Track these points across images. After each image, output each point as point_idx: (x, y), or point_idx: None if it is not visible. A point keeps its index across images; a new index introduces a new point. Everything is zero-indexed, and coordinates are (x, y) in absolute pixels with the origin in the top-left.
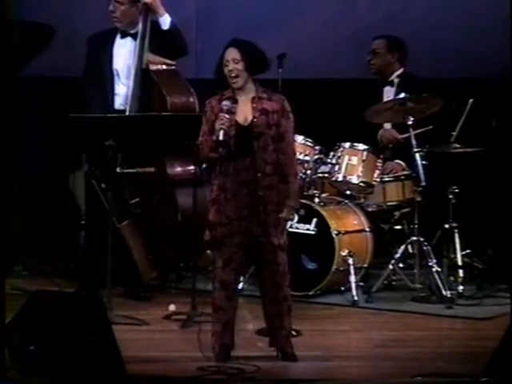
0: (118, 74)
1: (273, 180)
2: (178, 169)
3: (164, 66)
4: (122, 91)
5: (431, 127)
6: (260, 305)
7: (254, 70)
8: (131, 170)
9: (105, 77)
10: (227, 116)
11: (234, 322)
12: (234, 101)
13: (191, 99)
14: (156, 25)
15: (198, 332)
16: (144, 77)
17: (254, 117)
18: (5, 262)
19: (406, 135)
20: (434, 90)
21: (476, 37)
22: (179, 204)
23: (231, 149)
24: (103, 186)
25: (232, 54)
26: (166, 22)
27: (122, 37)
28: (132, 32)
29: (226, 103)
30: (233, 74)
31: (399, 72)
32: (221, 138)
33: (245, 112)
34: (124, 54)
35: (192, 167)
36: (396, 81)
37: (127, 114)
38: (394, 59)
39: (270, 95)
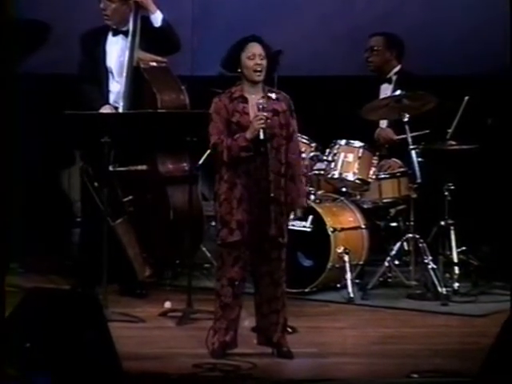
0: (111, 72)
1: (283, 180)
2: (170, 166)
3: (155, 64)
4: (116, 89)
5: (427, 131)
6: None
7: (269, 69)
8: (123, 169)
9: (99, 74)
10: (265, 114)
11: (238, 321)
12: (244, 100)
13: (181, 96)
14: (148, 22)
15: (208, 329)
16: (135, 74)
17: (267, 118)
18: (5, 261)
19: (402, 136)
20: (431, 88)
21: (472, 34)
22: (171, 202)
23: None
24: (96, 184)
25: (258, 49)
26: (157, 19)
27: (114, 34)
28: (124, 30)
29: (260, 101)
30: (259, 69)
31: (397, 69)
32: (261, 136)
33: (256, 112)
34: (116, 51)
35: (184, 164)
36: (394, 78)
37: (120, 111)
38: (392, 57)
39: (276, 95)
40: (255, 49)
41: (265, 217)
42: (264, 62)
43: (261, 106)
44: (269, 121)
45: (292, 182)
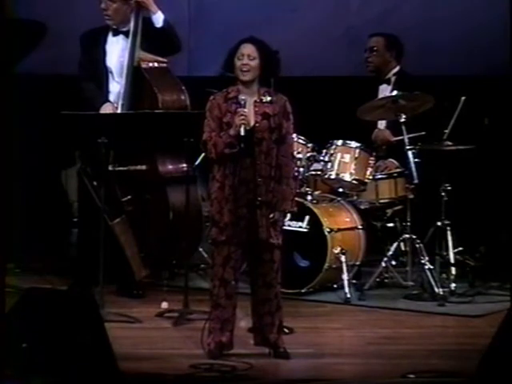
0: (111, 72)
1: (272, 182)
2: (170, 167)
3: (155, 64)
4: (116, 89)
5: (423, 133)
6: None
7: (266, 70)
8: (123, 168)
9: (99, 74)
10: (246, 110)
11: (234, 321)
12: (238, 101)
13: (182, 97)
14: (149, 22)
15: (201, 329)
16: (135, 75)
17: (256, 121)
18: (5, 262)
19: (399, 138)
20: (429, 88)
21: (469, 35)
22: (170, 202)
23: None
24: (95, 183)
25: (249, 49)
26: (159, 19)
27: (114, 35)
28: (124, 30)
29: (242, 97)
30: (245, 69)
31: (396, 70)
32: (242, 133)
33: (248, 115)
34: (117, 51)
35: (184, 165)
36: (393, 79)
37: (119, 111)
38: (391, 57)
39: (272, 97)
40: (245, 49)
41: (253, 219)
42: (253, 63)
43: (243, 102)
44: (257, 124)
45: (279, 184)
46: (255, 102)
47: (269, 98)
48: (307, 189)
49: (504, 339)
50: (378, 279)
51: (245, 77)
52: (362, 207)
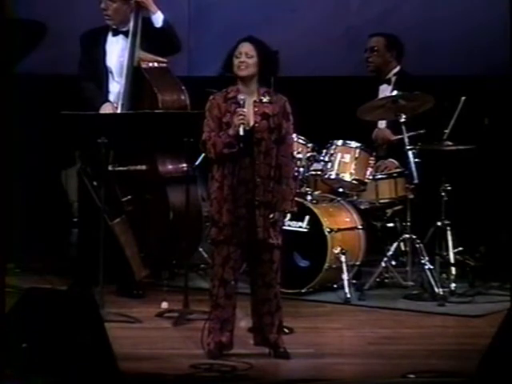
0: (111, 72)
1: (271, 182)
2: (170, 166)
3: (155, 64)
4: (115, 89)
5: (423, 131)
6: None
7: (264, 69)
8: (123, 168)
9: (99, 74)
10: (245, 110)
11: (233, 321)
12: (238, 101)
13: (182, 97)
14: (149, 22)
15: (201, 329)
16: (135, 74)
17: (256, 122)
18: (5, 262)
19: (399, 137)
20: (429, 88)
21: (469, 35)
22: (170, 202)
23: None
24: (95, 183)
25: (246, 48)
26: (158, 19)
27: (114, 35)
28: (124, 30)
29: (241, 97)
30: (242, 66)
31: (396, 70)
32: (241, 133)
33: (247, 115)
34: (116, 51)
35: (184, 165)
36: (393, 79)
37: (119, 111)
38: (392, 57)
39: (271, 97)
40: (243, 48)
41: (252, 219)
42: (251, 60)
43: (242, 102)
44: (256, 125)
45: (279, 184)
46: (255, 102)
47: (268, 98)
48: (307, 189)
49: (504, 339)
50: (378, 279)
51: (242, 72)
52: (362, 207)
